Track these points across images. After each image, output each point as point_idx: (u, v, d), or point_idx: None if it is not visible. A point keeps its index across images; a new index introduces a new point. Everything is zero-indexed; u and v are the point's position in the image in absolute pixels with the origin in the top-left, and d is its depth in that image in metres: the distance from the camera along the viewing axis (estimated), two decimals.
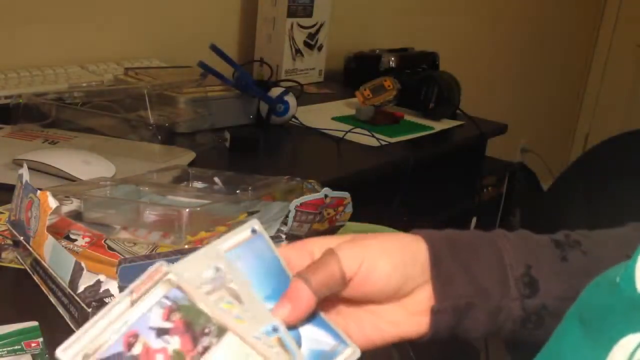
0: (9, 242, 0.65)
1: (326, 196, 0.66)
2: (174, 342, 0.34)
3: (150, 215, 0.66)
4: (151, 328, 0.34)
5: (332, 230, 0.72)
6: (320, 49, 1.63)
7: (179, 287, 0.36)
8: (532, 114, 2.94)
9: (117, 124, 1.02)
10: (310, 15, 1.56)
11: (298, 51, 1.57)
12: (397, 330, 0.44)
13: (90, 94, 1.08)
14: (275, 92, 1.20)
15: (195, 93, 1.14)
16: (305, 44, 1.58)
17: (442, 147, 1.32)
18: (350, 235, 0.44)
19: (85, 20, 1.30)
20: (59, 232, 0.65)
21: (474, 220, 1.48)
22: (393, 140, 1.20)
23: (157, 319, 0.35)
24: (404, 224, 0.85)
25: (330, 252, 0.41)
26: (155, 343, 0.34)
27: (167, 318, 0.35)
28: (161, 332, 0.34)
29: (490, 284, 0.43)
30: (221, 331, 0.35)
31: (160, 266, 0.36)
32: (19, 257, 0.64)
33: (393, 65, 1.62)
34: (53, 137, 0.99)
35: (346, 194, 0.70)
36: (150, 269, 0.36)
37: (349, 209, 0.71)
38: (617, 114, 3.17)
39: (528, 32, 2.71)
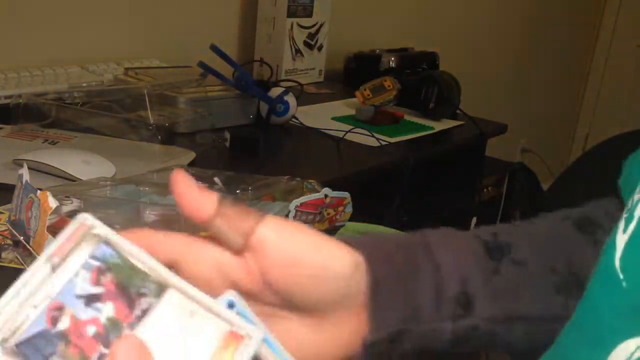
0: (9, 242, 0.65)
1: (326, 196, 0.66)
2: (107, 309, 0.29)
3: (150, 215, 0.66)
4: (78, 296, 0.29)
5: (332, 230, 0.72)
6: (320, 49, 1.63)
7: (107, 242, 0.31)
8: (532, 114, 2.94)
9: (117, 124, 1.02)
10: (310, 15, 1.56)
11: (298, 51, 1.57)
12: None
13: (90, 94, 1.08)
14: (275, 92, 1.20)
15: (195, 93, 1.14)
16: (305, 44, 1.58)
17: (442, 147, 1.32)
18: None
19: (85, 20, 1.30)
20: (59, 232, 0.65)
21: (474, 220, 1.48)
22: (393, 140, 1.20)
23: (85, 285, 0.30)
24: (403, 224, 0.85)
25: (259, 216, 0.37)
26: (85, 313, 0.29)
27: (97, 282, 0.30)
28: (90, 300, 0.29)
29: (424, 302, 0.40)
30: (161, 289, 0.30)
31: (85, 220, 0.31)
32: (19, 257, 0.64)
33: (393, 65, 1.62)
34: (53, 137, 0.99)
35: (346, 194, 0.70)
36: (73, 224, 0.31)
37: (349, 209, 0.71)
38: (617, 114, 3.17)
39: (528, 32, 2.71)
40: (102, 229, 0.31)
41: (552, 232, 0.47)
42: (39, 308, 0.29)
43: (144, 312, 0.30)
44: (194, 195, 0.35)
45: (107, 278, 0.30)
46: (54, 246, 0.31)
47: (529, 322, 0.42)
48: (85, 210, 0.68)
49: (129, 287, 0.30)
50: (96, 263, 0.30)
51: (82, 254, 0.30)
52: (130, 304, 0.30)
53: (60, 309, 0.29)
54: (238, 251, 0.36)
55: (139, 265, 0.31)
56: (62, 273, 0.30)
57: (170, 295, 0.30)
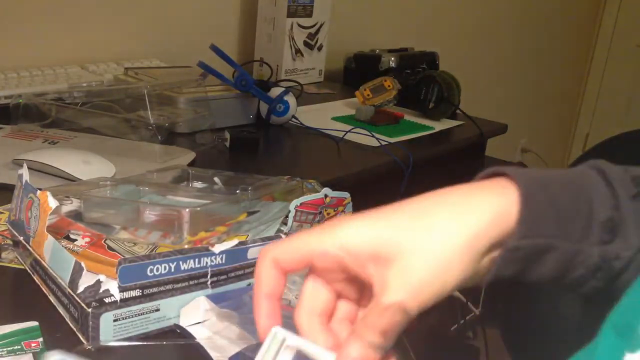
0: (9, 242, 0.65)
1: (326, 196, 0.66)
2: None
3: (150, 215, 0.66)
4: None
5: None
6: (320, 49, 1.63)
7: (300, 351, 0.37)
8: (532, 114, 2.94)
9: (117, 124, 1.02)
10: (310, 15, 1.56)
11: (298, 51, 1.57)
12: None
13: (90, 94, 1.08)
14: (275, 92, 1.20)
15: (195, 93, 1.14)
16: (305, 44, 1.58)
17: (442, 147, 1.32)
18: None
19: (85, 20, 1.30)
20: (59, 232, 0.65)
21: None
22: (393, 140, 1.20)
23: None
24: None
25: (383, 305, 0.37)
26: None
27: None
28: None
29: (574, 224, 0.40)
30: None
31: (277, 333, 0.37)
32: (19, 257, 0.64)
33: (393, 65, 1.62)
34: (53, 137, 0.99)
35: (346, 194, 0.70)
36: (268, 338, 0.38)
37: (349, 209, 0.71)
38: (617, 114, 3.17)
39: (528, 32, 2.71)
40: (293, 340, 0.37)
41: None
42: None
43: None
44: None
45: None
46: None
47: None
48: (85, 210, 0.68)
49: None
50: None
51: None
52: None
53: None
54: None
55: None
56: None
57: None
